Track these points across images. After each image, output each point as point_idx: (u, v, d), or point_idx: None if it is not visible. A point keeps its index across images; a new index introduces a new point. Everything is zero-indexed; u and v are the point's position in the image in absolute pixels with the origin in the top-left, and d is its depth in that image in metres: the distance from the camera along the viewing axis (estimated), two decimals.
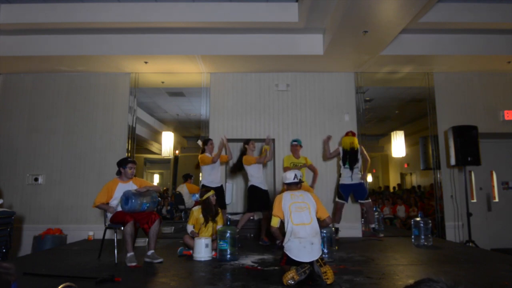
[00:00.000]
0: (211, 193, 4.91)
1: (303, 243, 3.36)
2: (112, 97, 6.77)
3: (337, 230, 5.98)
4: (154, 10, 5.40)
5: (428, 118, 6.85)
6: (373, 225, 5.99)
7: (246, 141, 5.96)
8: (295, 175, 3.79)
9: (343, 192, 5.98)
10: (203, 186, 5.66)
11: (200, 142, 6.11)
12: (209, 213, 4.83)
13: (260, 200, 5.71)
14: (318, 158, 6.60)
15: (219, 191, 5.71)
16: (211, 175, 5.76)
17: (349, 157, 5.99)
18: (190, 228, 4.85)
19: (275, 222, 3.67)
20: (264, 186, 5.81)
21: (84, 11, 5.37)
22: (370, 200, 5.97)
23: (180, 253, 4.69)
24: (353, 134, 6.11)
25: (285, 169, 5.92)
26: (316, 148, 6.61)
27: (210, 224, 4.85)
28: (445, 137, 6.65)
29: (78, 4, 5.37)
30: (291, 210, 3.57)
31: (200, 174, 6.48)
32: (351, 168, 5.95)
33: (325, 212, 3.72)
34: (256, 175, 5.79)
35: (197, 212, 4.89)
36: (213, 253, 4.49)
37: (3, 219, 5.20)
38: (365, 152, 6.13)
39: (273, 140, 6.67)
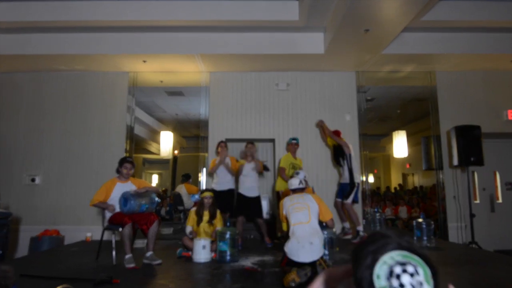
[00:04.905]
0: (207, 194, 4.89)
1: (302, 242, 3.34)
2: (110, 97, 6.73)
3: (343, 229, 5.93)
4: (153, 8, 5.36)
5: (430, 117, 6.81)
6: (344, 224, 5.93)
7: (246, 143, 5.87)
8: (300, 181, 3.95)
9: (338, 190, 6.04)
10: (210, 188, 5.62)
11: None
12: (201, 212, 4.83)
13: (242, 208, 5.50)
14: (317, 158, 6.56)
15: (226, 196, 5.60)
16: (216, 178, 5.74)
17: (334, 155, 6.16)
18: (189, 228, 4.81)
19: (284, 227, 3.82)
20: (250, 193, 5.56)
21: (82, 9, 5.34)
22: (347, 201, 5.67)
23: (179, 255, 4.66)
24: (335, 133, 6.10)
25: (281, 169, 5.84)
26: (316, 148, 6.57)
27: (207, 225, 4.82)
28: (447, 137, 6.60)
29: (76, 2, 5.33)
30: (290, 211, 3.65)
31: (199, 175, 6.47)
32: (337, 165, 6.08)
33: (328, 214, 3.77)
34: (242, 182, 5.66)
35: (194, 213, 4.87)
36: (213, 254, 4.46)
37: (0, 220, 5.16)
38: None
39: (273, 140, 6.63)
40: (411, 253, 0.85)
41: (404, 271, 0.81)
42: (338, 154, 5.94)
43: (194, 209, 4.94)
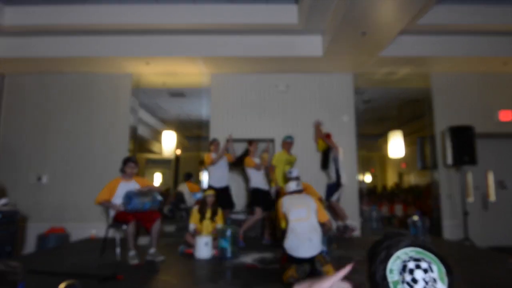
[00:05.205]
0: (209, 192, 5.01)
1: (301, 239, 3.38)
2: (114, 98, 6.81)
3: (337, 228, 6.01)
4: (156, 11, 5.45)
5: (425, 118, 6.90)
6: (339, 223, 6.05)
7: (250, 142, 5.96)
8: (297, 183, 4.04)
9: None
10: (209, 186, 5.72)
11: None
12: (204, 210, 4.95)
13: (263, 200, 5.66)
14: (317, 158, 6.63)
15: (224, 192, 5.70)
16: (215, 175, 5.77)
17: (323, 159, 6.25)
18: (192, 226, 4.91)
19: (283, 225, 3.82)
20: (265, 187, 5.78)
21: (87, 13, 5.43)
22: (332, 199, 5.86)
23: (181, 252, 4.75)
24: (326, 136, 6.21)
25: (271, 167, 5.95)
26: (315, 148, 6.66)
27: (209, 222, 4.94)
28: (442, 137, 6.69)
29: (81, 6, 5.42)
30: (289, 208, 3.67)
31: (201, 174, 6.52)
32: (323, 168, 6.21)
33: (324, 216, 3.80)
34: (256, 177, 5.76)
35: (196, 211, 4.99)
36: (214, 251, 4.56)
37: (8, 218, 5.23)
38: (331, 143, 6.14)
39: (273, 140, 6.72)
40: (425, 251, 0.84)
41: (418, 266, 0.81)
42: (327, 157, 6.08)
43: (196, 207, 5.05)
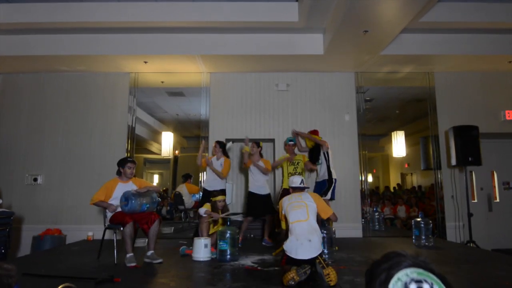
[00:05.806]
0: (219, 198, 5.06)
1: (300, 240, 3.35)
2: (111, 97, 6.75)
3: None
4: (154, 9, 5.39)
5: (428, 118, 6.83)
6: None
7: (256, 143, 5.89)
8: (302, 180, 4.02)
9: None
10: (203, 189, 5.76)
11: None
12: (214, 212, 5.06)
13: (256, 207, 5.61)
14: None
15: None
16: (209, 178, 5.79)
17: (309, 157, 6.14)
18: (203, 209, 5.02)
19: (283, 225, 3.85)
20: (262, 191, 5.69)
21: (84, 11, 5.36)
22: (326, 198, 5.65)
23: (182, 253, 4.70)
24: (313, 132, 6.18)
25: (277, 161, 6.04)
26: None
27: (217, 226, 5.04)
28: (445, 137, 6.62)
29: (78, 4, 5.35)
30: (288, 210, 3.68)
31: (200, 175, 6.50)
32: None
33: (327, 211, 3.80)
34: (253, 180, 5.72)
35: (208, 206, 5.10)
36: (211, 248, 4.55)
37: (2, 220, 5.20)
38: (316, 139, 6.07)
39: (273, 140, 6.67)
40: (426, 271, 0.82)
41: None
42: (316, 154, 5.98)
43: (209, 204, 5.13)
